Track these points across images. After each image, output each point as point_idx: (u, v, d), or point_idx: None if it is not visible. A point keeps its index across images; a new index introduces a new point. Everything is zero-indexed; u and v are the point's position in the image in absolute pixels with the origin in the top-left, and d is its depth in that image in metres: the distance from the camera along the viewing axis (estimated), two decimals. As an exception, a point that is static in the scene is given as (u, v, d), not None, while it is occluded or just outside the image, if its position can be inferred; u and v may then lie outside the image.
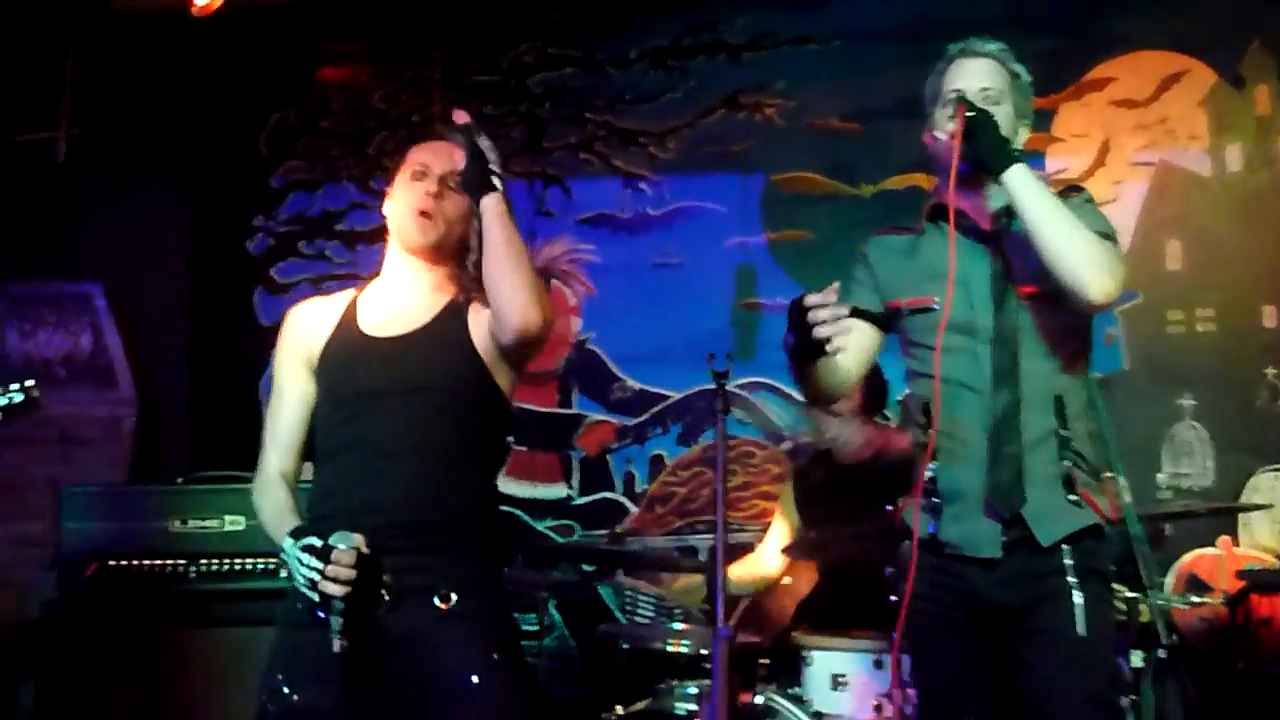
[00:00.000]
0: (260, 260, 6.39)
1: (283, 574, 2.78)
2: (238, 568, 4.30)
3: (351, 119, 6.38)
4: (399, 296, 2.96)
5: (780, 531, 4.66)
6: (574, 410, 6.00)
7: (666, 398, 5.88)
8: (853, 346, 2.94)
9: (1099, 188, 5.53)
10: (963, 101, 2.84)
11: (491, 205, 2.81)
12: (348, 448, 2.79)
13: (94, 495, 4.45)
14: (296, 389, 2.93)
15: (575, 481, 5.96)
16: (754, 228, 5.87)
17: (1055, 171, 5.53)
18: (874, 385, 4.49)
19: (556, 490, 5.96)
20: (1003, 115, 2.99)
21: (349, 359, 2.90)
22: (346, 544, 2.63)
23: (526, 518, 5.89)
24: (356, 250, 6.23)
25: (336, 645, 2.59)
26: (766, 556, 4.63)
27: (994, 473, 2.87)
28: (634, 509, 5.88)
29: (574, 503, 5.94)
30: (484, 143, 2.84)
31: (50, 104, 5.86)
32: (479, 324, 2.90)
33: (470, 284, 2.93)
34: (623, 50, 6.10)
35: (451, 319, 2.91)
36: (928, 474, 2.94)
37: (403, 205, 2.94)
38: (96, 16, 5.81)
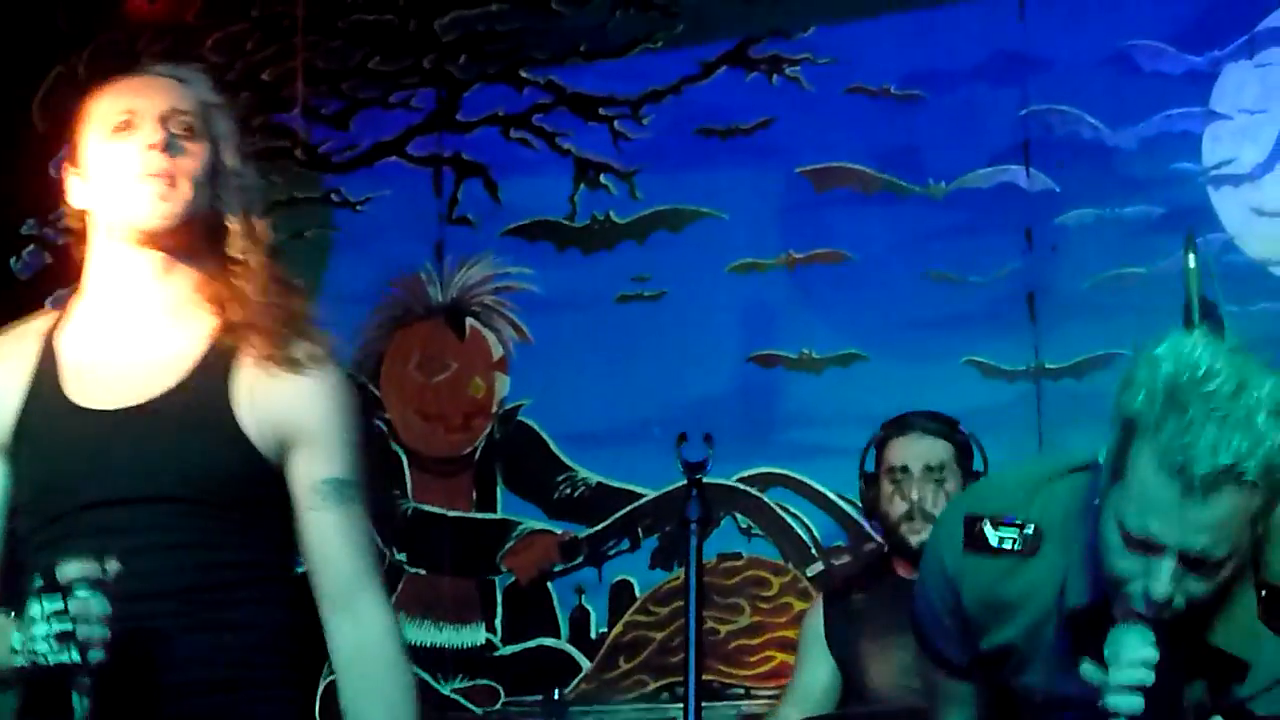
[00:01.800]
0: (28, 285, 6.36)
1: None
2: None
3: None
4: (122, 333, 2.92)
5: (814, 674, 4.65)
6: (498, 515, 6.00)
7: (637, 496, 5.88)
8: None
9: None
10: None
11: None
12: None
13: None
14: None
15: (499, 622, 5.94)
16: (770, 244, 5.88)
17: (1218, 164, 5.54)
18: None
19: (471, 634, 5.96)
20: None
21: (49, 447, 2.89)
22: (84, 571, 2.66)
23: (424, 675, 5.76)
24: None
25: None
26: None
27: None
28: (586, 663, 5.86)
29: (497, 653, 5.93)
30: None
31: None
32: (252, 388, 2.86)
33: (237, 304, 2.90)
34: (576, -22, 6.16)
35: (210, 379, 2.87)
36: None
37: (113, 177, 2.89)
38: None
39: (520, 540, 5.95)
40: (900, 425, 4.58)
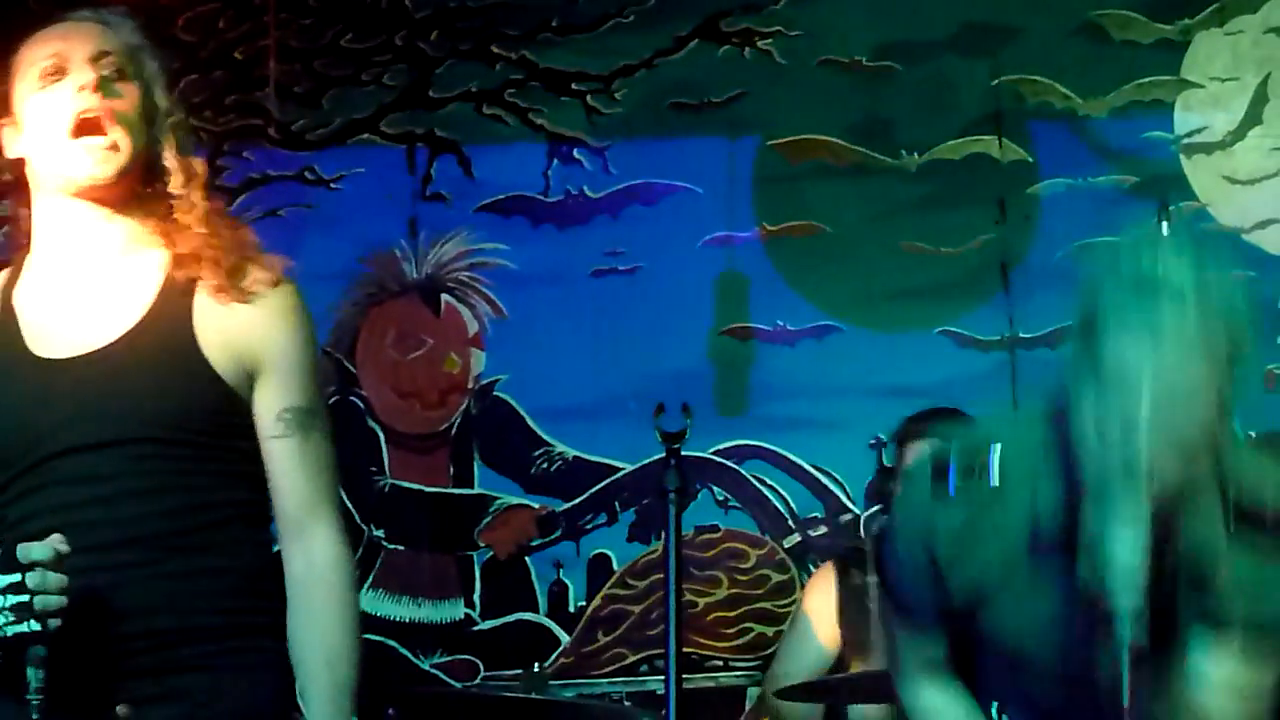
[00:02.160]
0: None
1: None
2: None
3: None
4: (76, 281, 2.93)
5: (815, 643, 4.78)
6: (475, 490, 5.98)
7: (614, 470, 5.89)
8: None
9: (1253, 159, 5.51)
10: None
11: None
12: (33, 538, 2.72)
13: None
14: None
15: (477, 597, 5.92)
16: (743, 217, 5.90)
17: (1190, 132, 5.59)
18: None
19: (450, 609, 5.94)
20: None
21: (16, 400, 2.88)
22: (43, 553, 2.67)
23: (404, 650, 5.86)
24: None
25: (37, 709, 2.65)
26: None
27: None
28: (565, 637, 5.87)
29: (476, 628, 5.91)
30: None
31: None
32: (213, 320, 2.88)
33: (184, 237, 2.92)
34: (547, -48, 6.14)
35: (170, 316, 2.88)
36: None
37: (46, 126, 2.90)
38: None
39: (498, 515, 5.94)
40: (919, 428, 4.57)
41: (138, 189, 2.95)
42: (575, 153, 6.02)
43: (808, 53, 5.88)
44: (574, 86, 6.03)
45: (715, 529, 5.73)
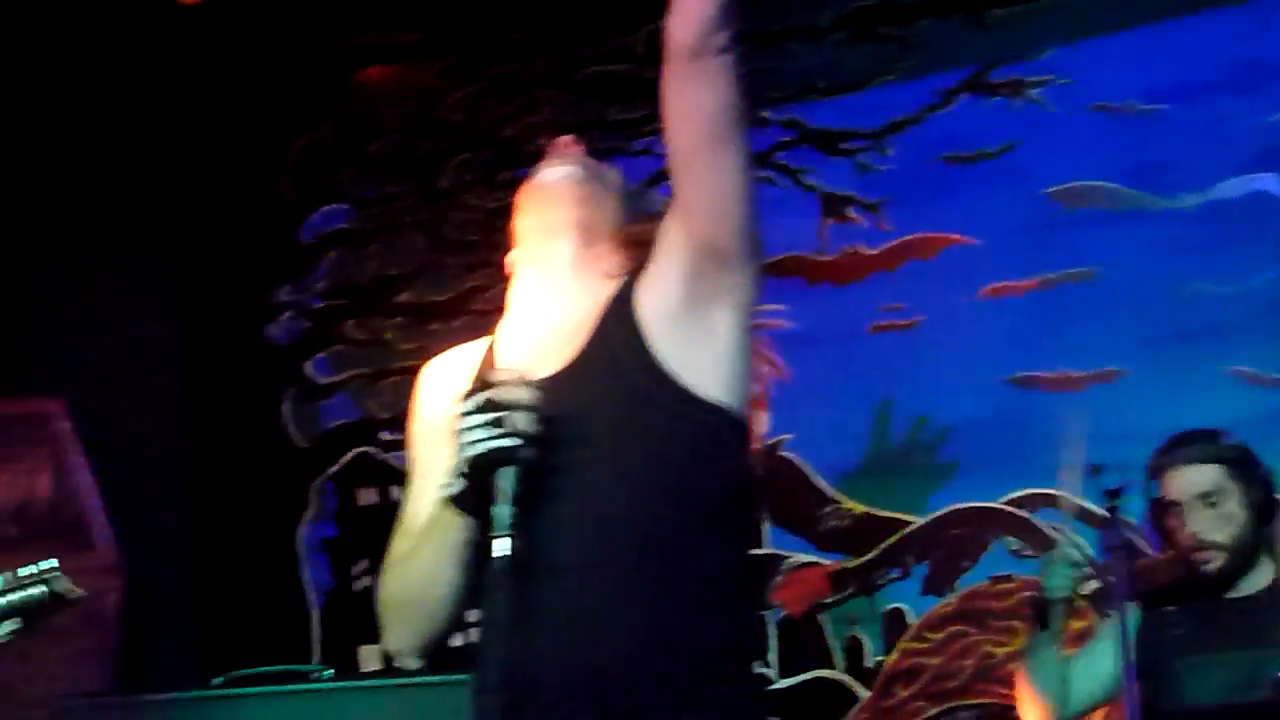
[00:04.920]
0: (288, 352, 6.50)
1: None
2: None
3: (413, 138, 6.49)
4: (546, 308, 3.04)
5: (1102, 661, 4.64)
6: (765, 549, 5.99)
7: (905, 525, 5.89)
8: None
9: None
10: None
11: None
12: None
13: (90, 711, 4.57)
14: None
15: (774, 655, 5.96)
16: (1022, 265, 5.89)
17: None
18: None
19: None
20: None
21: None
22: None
23: None
24: (430, 330, 6.31)
25: (501, 548, 2.59)
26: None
27: None
28: (864, 693, 5.89)
29: (773, 686, 5.92)
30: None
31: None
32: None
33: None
34: (810, 16, 6.14)
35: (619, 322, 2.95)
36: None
37: None
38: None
39: (788, 574, 5.97)
40: (1168, 457, 4.54)
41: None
42: (849, 210, 6.06)
43: (1078, 99, 5.87)
44: (843, 145, 6.08)
45: (1010, 578, 5.69)
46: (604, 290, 2.93)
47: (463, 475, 2.69)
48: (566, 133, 3.03)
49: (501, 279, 3.04)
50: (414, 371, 6.09)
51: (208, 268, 6.55)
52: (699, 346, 2.85)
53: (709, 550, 2.75)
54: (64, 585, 3.12)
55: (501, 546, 2.58)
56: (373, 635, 4.39)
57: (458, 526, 2.75)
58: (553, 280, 2.99)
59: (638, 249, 2.94)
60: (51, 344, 6.23)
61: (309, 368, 6.50)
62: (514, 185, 6.07)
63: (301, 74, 6.54)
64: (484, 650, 2.76)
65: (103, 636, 6.00)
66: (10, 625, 3.10)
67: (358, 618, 6.22)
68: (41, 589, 3.10)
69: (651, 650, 2.69)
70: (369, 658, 5.86)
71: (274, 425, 6.46)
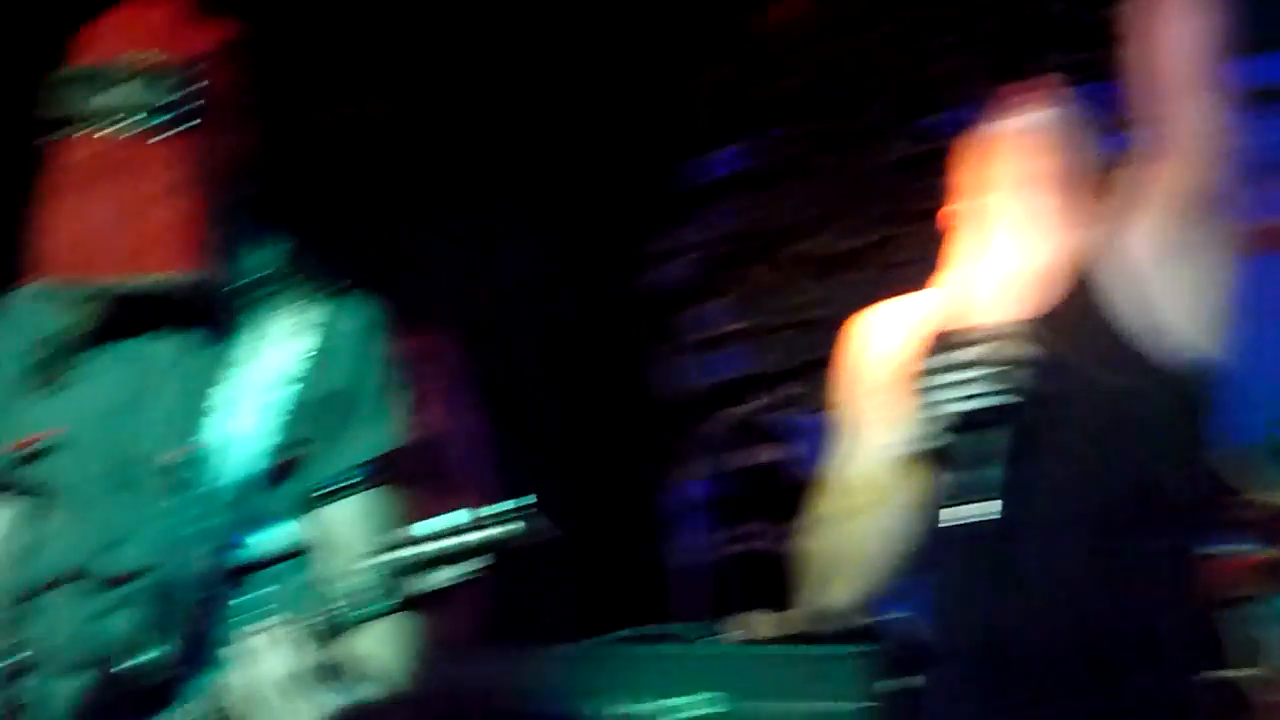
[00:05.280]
0: (675, 299, 6.58)
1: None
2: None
3: (822, 81, 6.39)
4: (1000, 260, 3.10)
5: None
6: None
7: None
8: None
9: None
10: None
11: None
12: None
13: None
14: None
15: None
16: None
17: None
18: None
19: None
20: None
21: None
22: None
23: None
24: (834, 281, 6.25)
25: (984, 510, 2.71)
26: None
27: None
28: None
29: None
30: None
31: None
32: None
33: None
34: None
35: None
36: None
37: None
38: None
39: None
40: None
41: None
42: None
43: None
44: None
45: None
46: (1075, 241, 3.00)
47: (935, 434, 2.80)
48: (991, 79, 3.28)
49: (922, 230, 3.13)
50: (813, 325, 6.05)
51: (596, 213, 6.55)
52: (1181, 299, 2.85)
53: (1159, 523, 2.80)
54: (523, 527, 3.13)
55: (985, 509, 2.70)
56: (758, 600, 4.16)
57: (912, 485, 2.86)
58: (1020, 231, 3.06)
59: (1107, 196, 2.96)
60: (441, 284, 6.33)
61: (697, 317, 6.52)
62: (932, 134, 6.05)
63: (706, 11, 6.50)
64: (946, 616, 2.86)
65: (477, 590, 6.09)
66: (467, 566, 3.09)
67: (743, 581, 6.26)
68: (507, 528, 3.06)
69: (1127, 615, 2.75)
70: (759, 624, 5.90)
71: (659, 377, 6.51)
